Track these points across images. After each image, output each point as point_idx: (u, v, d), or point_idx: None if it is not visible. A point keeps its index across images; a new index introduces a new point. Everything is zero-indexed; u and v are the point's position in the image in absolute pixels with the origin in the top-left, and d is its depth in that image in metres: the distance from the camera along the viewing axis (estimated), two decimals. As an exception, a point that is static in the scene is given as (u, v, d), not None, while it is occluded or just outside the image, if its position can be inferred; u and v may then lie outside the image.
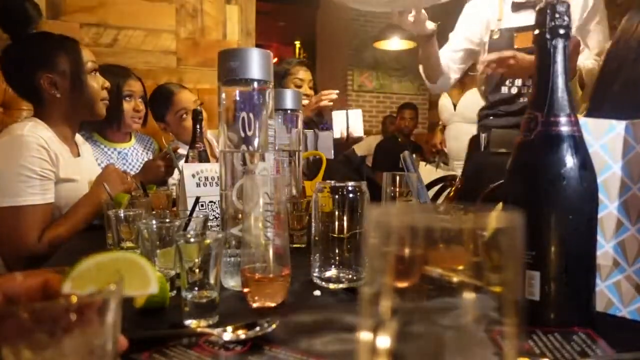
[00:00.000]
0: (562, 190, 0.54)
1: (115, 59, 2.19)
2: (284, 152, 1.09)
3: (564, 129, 0.55)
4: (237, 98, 0.72)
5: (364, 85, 6.06)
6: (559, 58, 0.56)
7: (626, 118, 0.59)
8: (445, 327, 0.23)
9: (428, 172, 3.09)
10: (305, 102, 2.03)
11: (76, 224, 1.30)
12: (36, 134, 1.30)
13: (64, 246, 1.20)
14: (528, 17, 1.58)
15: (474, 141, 1.89)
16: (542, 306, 0.55)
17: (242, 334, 0.52)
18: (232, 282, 0.71)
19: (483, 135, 1.78)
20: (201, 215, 0.81)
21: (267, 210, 0.64)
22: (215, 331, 0.52)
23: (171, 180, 1.68)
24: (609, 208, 0.60)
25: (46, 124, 1.37)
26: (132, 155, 1.86)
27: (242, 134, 0.71)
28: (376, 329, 0.24)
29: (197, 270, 0.56)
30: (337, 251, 0.72)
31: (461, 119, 3.20)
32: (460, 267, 0.23)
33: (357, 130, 2.02)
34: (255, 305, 0.63)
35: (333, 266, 0.72)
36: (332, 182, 0.73)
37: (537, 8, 0.58)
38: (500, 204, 0.59)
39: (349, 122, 2.01)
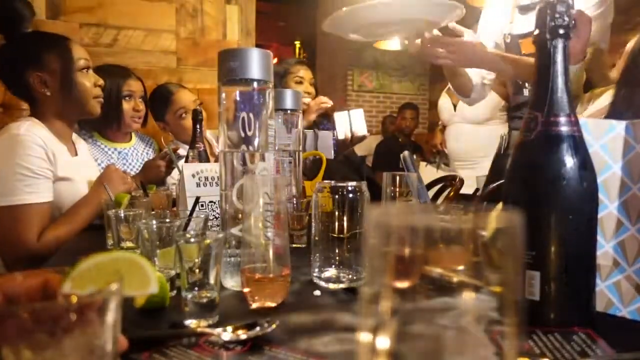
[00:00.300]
0: (562, 190, 0.54)
1: (115, 59, 2.19)
2: (284, 152, 1.09)
3: (564, 129, 0.55)
4: (237, 98, 0.72)
5: (364, 85, 6.06)
6: (559, 58, 0.56)
7: None
8: (445, 327, 0.23)
9: (429, 172, 3.08)
10: (306, 99, 2.03)
11: (76, 224, 1.30)
12: (33, 133, 1.30)
13: (64, 246, 1.20)
14: (533, 20, 1.57)
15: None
16: (542, 306, 0.55)
17: (242, 334, 0.52)
18: (232, 282, 0.71)
19: (503, 137, 1.77)
20: (201, 215, 0.81)
21: (267, 210, 0.64)
22: (215, 331, 0.53)
23: (170, 180, 1.68)
24: (609, 208, 0.60)
25: (42, 122, 1.37)
26: (132, 155, 1.86)
27: (242, 134, 0.71)
28: (376, 329, 0.24)
29: (197, 270, 0.56)
30: (337, 251, 0.72)
31: (461, 119, 3.19)
32: (460, 267, 0.23)
33: (361, 129, 2.02)
34: (255, 305, 0.63)
35: (333, 266, 0.72)
36: (332, 182, 0.73)
37: (537, 8, 0.58)
38: (500, 204, 0.59)
39: (351, 122, 2.01)
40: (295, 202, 1.02)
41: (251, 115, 0.71)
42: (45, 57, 1.37)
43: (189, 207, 0.92)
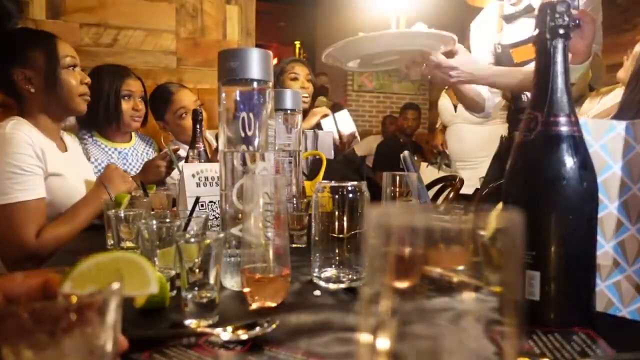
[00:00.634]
0: (562, 191, 0.54)
1: (115, 59, 2.19)
2: (284, 152, 1.09)
3: (564, 129, 0.55)
4: (237, 98, 0.72)
5: (364, 85, 6.06)
6: (559, 58, 0.56)
7: None
8: (445, 327, 0.23)
9: (430, 173, 3.07)
10: (304, 94, 2.03)
11: (76, 224, 1.30)
12: (19, 131, 1.30)
13: (64, 246, 1.20)
14: (521, 28, 1.57)
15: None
16: (542, 306, 0.55)
17: (242, 334, 0.52)
18: (232, 282, 0.71)
19: (503, 139, 1.76)
20: (201, 215, 0.81)
21: (267, 210, 0.64)
22: (215, 331, 0.53)
23: (170, 180, 1.68)
24: (609, 208, 0.60)
25: (28, 120, 1.37)
26: (133, 155, 1.86)
27: (242, 134, 0.71)
28: (376, 329, 0.24)
29: (197, 270, 0.56)
30: (337, 251, 0.72)
31: (462, 119, 3.19)
32: (460, 267, 0.23)
33: (347, 129, 2.04)
34: (255, 305, 0.63)
35: (333, 266, 0.72)
36: (332, 182, 0.73)
37: (537, 8, 0.58)
38: (500, 204, 0.59)
39: (337, 124, 2.04)
40: (295, 202, 1.02)
41: (251, 115, 0.71)
42: (30, 54, 1.37)
43: (189, 207, 0.92)
